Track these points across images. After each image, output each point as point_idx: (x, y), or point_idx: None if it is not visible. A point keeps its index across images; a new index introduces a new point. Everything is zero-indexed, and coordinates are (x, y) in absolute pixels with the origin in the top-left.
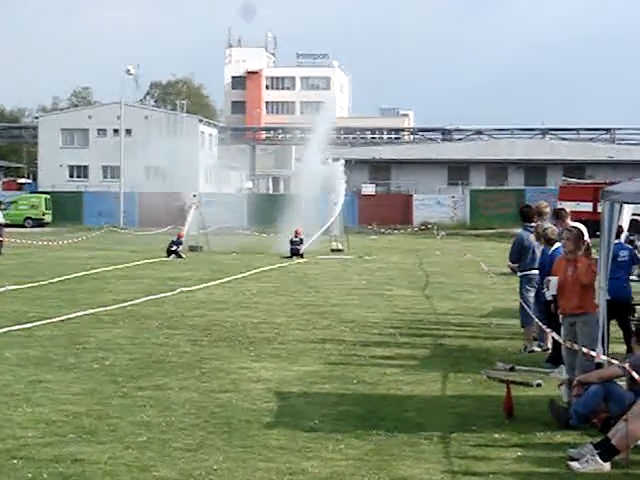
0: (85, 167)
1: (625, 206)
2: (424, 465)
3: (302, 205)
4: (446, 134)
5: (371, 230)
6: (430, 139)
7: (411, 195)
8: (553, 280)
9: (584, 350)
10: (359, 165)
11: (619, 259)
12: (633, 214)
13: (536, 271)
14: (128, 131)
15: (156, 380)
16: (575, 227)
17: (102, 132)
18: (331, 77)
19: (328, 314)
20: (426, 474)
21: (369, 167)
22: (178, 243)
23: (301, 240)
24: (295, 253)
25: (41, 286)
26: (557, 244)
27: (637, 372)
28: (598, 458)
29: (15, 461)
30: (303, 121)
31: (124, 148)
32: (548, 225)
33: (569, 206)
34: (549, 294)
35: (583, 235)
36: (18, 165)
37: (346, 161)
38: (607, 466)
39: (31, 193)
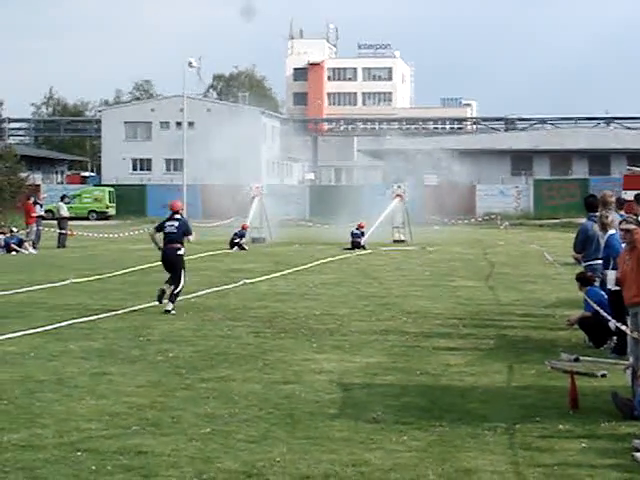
0: (148, 160)
1: None
2: (488, 456)
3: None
4: (509, 124)
5: (434, 220)
6: (493, 129)
7: (474, 185)
8: (610, 274)
9: None
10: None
11: None
12: None
13: (600, 261)
14: (191, 124)
15: (219, 372)
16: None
17: (165, 125)
18: (393, 68)
19: (391, 305)
20: (490, 465)
21: (432, 157)
22: (241, 235)
23: (362, 233)
24: (356, 245)
25: (105, 278)
26: (611, 230)
27: None
28: None
29: (79, 453)
30: (365, 112)
31: (187, 141)
32: (611, 214)
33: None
34: (611, 286)
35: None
36: (82, 158)
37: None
38: None
39: (95, 186)
